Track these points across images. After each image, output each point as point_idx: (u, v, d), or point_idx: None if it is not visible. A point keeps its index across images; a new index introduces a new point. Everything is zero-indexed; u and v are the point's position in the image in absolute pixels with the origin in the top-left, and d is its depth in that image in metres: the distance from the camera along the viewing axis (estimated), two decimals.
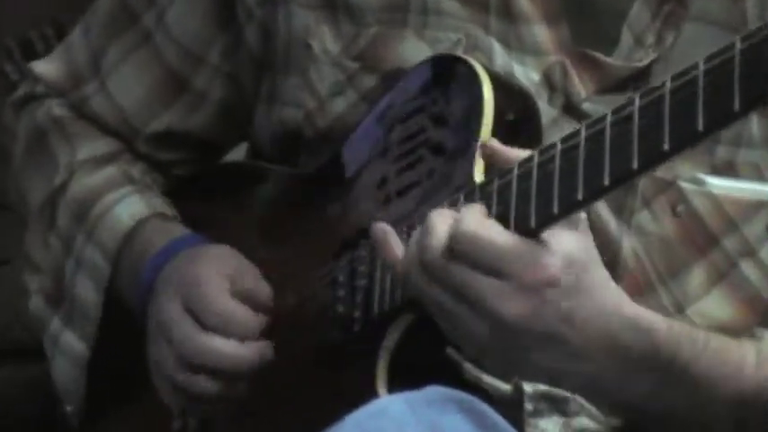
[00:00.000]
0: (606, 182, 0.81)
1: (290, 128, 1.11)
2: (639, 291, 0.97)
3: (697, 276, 0.99)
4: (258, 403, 1.05)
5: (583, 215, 0.88)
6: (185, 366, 1.04)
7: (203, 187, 1.22)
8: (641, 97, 0.81)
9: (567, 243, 0.86)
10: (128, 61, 1.19)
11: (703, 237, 0.99)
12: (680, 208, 0.98)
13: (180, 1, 1.17)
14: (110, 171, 1.19)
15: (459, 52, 1.01)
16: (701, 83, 0.76)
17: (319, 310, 1.03)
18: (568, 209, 0.84)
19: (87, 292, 1.14)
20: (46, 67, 1.24)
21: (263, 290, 1.07)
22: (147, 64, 1.19)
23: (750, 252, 0.99)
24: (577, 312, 0.87)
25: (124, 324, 1.13)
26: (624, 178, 0.82)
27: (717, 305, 0.99)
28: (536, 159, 0.87)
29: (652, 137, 0.79)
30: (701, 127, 0.76)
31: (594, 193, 0.83)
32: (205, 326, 1.04)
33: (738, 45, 0.76)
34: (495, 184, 0.89)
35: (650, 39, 1.00)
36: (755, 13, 0.98)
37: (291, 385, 1.04)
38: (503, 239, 0.86)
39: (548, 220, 0.85)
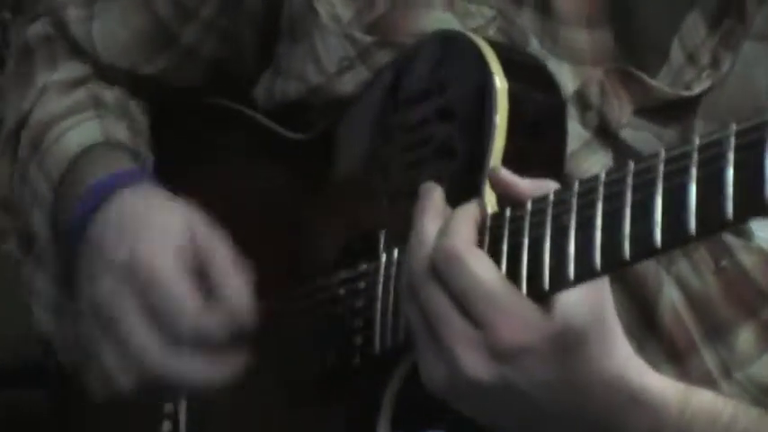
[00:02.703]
0: (627, 256, 0.69)
1: (293, 102, 1.00)
2: (679, 350, 0.89)
3: (746, 339, 0.90)
4: (251, 420, 0.98)
5: None
6: (148, 381, 0.91)
7: (186, 127, 1.11)
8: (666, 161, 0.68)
9: (573, 306, 0.74)
10: (116, 3, 1.07)
11: (751, 294, 0.89)
12: (724, 263, 0.88)
13: None
14: (77, 95, 1.09)
15: (492, 32, 0.90)
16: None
17: (318, 328, 0.93)
18: (585, 275, 0.72)
19: (41, 227, 1.05)
20: None
21: (239, 288, 0.90)
22: (134, 8, 1.07)
23: None
24: (560, 383, 0.77)
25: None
26: (647, 254, 0.70)
27: None
28: (550, 210, 0.74)
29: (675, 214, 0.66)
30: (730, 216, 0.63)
31: (613, 265, 0.71)
32: (175, 338, 0.90)
33: None
34: (506, 225, 0.77)
35: (705, 58, 0.87)
36: None
37: (286, 408, 0.97)
38: (490, 277, 0.75)
39: (563, 285, 0.73)
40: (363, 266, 0.91)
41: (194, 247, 0.91)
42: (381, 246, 0.90)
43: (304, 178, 1.00)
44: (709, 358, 0.91)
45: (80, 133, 1.04)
